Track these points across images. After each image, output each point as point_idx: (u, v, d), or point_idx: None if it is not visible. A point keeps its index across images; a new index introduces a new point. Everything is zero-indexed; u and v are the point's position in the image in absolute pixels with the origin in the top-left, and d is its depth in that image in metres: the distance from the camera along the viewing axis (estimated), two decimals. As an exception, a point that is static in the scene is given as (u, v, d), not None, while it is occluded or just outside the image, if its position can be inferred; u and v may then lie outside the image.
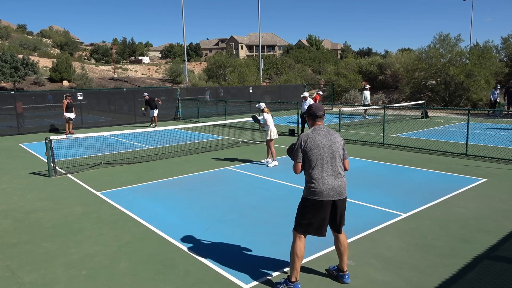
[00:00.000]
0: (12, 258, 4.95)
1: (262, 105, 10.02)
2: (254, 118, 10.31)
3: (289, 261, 4.58)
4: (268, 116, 9.84)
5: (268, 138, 9.77)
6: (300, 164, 3.98)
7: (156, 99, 19.19)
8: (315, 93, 19.56)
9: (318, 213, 3.89)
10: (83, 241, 5.41)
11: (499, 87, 21.65)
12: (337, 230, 4.11)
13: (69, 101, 16.57)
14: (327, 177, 3.88)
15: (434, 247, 4.93)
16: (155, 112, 18.94)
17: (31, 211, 6.73)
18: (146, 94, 19.45)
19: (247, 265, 4.57)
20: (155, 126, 18.41)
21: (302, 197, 4.01)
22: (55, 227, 5.98)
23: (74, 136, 10.84)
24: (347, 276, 4.14)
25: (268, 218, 6.08)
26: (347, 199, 4.14)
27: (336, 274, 4.21)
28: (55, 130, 18.51)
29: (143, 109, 19.68)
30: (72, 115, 16.77)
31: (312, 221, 3.91)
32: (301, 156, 3.96)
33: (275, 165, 9.70)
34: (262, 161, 10.25)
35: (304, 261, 4.60)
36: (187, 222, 6.02)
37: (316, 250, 4.87)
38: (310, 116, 4.12)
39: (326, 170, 3.89)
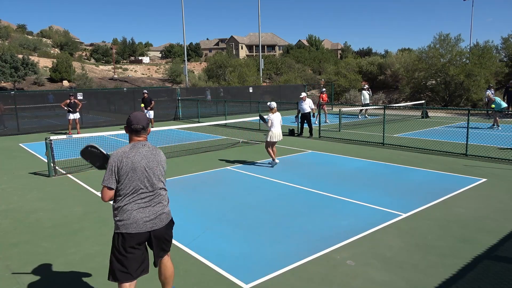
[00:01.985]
0: (12, 258, 4.95)
1: (273, 104, 9.72)
2: (261, 117, 10.21)
3: (288, 261, 4.59)
4: (273, 116, 9.55)
5: (268, 139, 9.57)
6: (110, 191, 3.18)
7: (152, 101, 18.01)
8: (324, 90, 19.77)
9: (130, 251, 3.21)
10: (83, 241, 5.41)
11: (492, 89, 21.43)
12: (155, 263, 3.51)
13: (71, 101, 16.02)
14: (145, 203, 3.24)
15: (434, 247, 4.93)
16: (151, 113, 17.91)
17: (31, 211, 6.73)
18: (146, 91, 18.32)
19: (247, 265, 4.57)
20: (152, 126, 18.00)
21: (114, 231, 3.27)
22: (55, 227, 5.98)
23: (74, 136, 10.83)
24: None
25: (268, 218, 6.08)
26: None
27: None
28: (52, 131, 18.26)
29: (142, 106, 18.76)
30: (73, 116, 16.11)
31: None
32: (115, 181, 3.18)
33: (273, 165, 9.62)
34: (269, 164, 9.91)
35: (304, 261, 4.61)
36: (187, 222, 6.02)
37: (316, 250, 4.87)
38: (127, 129, 3.36)
39: (140, 195, 3.22)
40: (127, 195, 3.19)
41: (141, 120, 3.34)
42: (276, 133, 9.55)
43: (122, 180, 3.18)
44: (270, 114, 9.58)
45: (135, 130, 3.32)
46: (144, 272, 3.31)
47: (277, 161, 9.70)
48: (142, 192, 3.22)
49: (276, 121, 9.58)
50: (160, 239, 3.33)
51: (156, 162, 3.33)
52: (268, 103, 9.79)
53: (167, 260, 3.59)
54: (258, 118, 16.01)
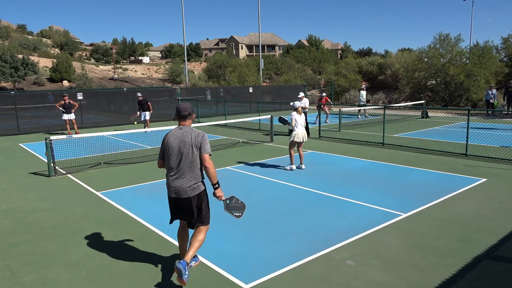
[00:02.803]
0: (12, 258, 4.95)
1: (297, 104, 9.28)
2: (281, 119, 9.88)
3: (288, 261, 4.60)
4: (296, 116, 9.12)
5: (291, 139, 9.13)
6: (159, 161, 4.25)
7: (148, 103, 17.20)
8: (324, 95, 19.67)
9: (170, 205, 4.29)
10: (83, 241, 5.41)
11: (493, 89, 21.40)
12: (190, 226, 4.24)
13: (66, 102, 15.97)
14: (173, 176, 4.08)
15: (434, 247, 4.94)
16: (147, 115, 17.18)
17: (31, 211, 6.73)
18: (139, 94, 17.57)
19: (247, 265, 4.57)
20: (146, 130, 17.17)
21: None
22: (55, 227, 5.98)
23: (74, 136, 10.83)
24: (180, 262, 3.86)
25: (268, 218, 6.08)
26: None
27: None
28: (52, 131, 18.21)
29: (135, 118, 17.71)
30: (67, 116, 16.04)
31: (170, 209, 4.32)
32: (162, 154, 4.18)
33: (291, 169, 9.20)
34: (287, 168, 9.38)
35: (304, 261, 4.61)
36: (187, 222, 6.02)
37: (316, 251, 4.88)
38: (176, 116, 4.25)
39: (172, 169, 4.07)
40: (167, 168, 4.13)
41: (187, 108, 4.21)
42: (300, 133, 9.13)
43: (165, 155, 4.12)
44: (294, 113, 9.16)
45: (182, 116, 4.18)
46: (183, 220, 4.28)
47: (294, 167, 9.25)
48: (172, 167, 4.07)
49: (300, 121, 9.16)
50: (183, 208, 4.15)
51: (184, 143, 4.02)
52: (292, 103, 9.37)
53: (198, 230, 4.16)
54: (257, 118, 16.00)
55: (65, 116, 16.13)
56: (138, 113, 17.46)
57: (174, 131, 4.13)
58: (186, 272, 3.81)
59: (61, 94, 17.90)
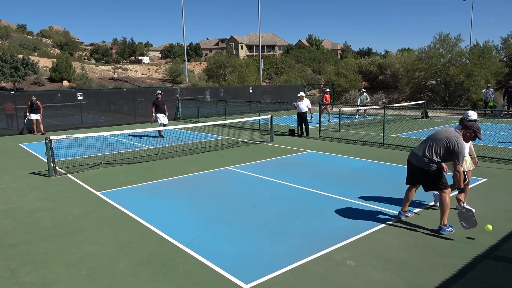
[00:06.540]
0: (12, 258, 4.95)
1: (473, 115, 5.84)
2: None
3: (288, 261, 4.60)
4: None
5: (467, 168, 6.21)
6: None
7: (164, 105, 14.99)
8: (327, 91, 20.39)
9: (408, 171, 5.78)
10: (83, 241, 5.41)
11: (491, 89, 21.37)
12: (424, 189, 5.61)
13: (34, 103, 16.86)
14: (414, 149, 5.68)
15: (434, 247, 4.93)
16: (166, 119, 14.86)
17: (31, 211, 6.73)
18: (159, 92, 15.09)
19: (247, 265, 4.57)
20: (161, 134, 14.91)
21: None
22: (55, 227, 5.98)
23: (74, 136, 10.82)
24: (442, 228, 5.31)
25: (268, 218, 6.08)
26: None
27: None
28: (52, 130, 18.33)
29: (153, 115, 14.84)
30: (35, 117, 16.98)
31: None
32: None
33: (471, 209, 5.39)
34: (464, 206, 5.24)
35: (304, 261, 4.61)
36: (187, 222, 6.03)
37: (316, 251, 4.88)
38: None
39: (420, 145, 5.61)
40: None
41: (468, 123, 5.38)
42: (468, 157, 6.28)
43: None
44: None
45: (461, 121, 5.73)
46: (414, 184, 5.72)
47: (472, 208, 5.54)
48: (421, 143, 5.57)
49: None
50: (413, 170, 5.54)
51: (437, 136, 5.30)
52: (465, 115, 5.87)
53: (439, 197, 5.37)
54: (257, 118, 15.95)
55: (33, 116, 17.10)
56: (154, 115, 14.80)
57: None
58: (447, 229, 5.29)
59: (62, 94, 18.12)
